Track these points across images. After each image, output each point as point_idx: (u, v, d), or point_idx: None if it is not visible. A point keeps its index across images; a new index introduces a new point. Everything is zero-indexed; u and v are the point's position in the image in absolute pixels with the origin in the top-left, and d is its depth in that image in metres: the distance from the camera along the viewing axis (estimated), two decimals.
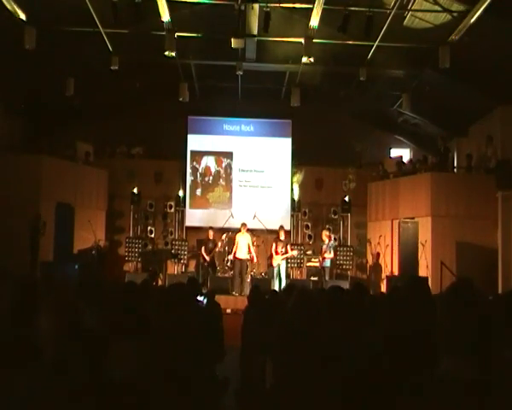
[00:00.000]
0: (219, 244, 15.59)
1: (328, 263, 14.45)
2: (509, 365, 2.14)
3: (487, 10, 9.89)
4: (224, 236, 15.86)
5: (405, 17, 11.52)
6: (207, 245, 15.04)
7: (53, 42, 12.26)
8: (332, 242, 14.67)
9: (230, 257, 15.30)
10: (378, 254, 15.16)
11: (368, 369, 2.54)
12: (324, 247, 14.44)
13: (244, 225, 14.68)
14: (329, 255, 14.40)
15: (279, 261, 14.19)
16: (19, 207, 12.92)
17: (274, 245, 14.39)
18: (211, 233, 15.19)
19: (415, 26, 11.75)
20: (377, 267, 15.18)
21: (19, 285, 3.17)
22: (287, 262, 14.62)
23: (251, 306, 6.47)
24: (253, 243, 14.97)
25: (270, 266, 14.54)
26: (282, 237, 14.43)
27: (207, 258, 14.89)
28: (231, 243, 15.66)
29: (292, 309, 2.59)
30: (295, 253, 14.87)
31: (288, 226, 16.47)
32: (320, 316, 2.52)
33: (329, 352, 2.49)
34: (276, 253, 14.20)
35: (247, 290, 13.31)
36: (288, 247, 14.54)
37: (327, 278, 14.29)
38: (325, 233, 14.78)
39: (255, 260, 14.85)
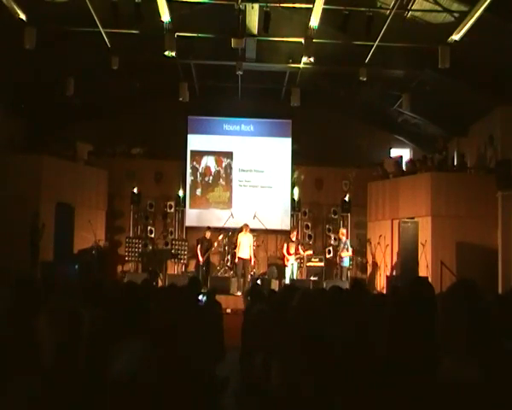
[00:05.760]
0: (215, 244, 15.57)
1: (346, 263, 14.46)
2: (508, 364, 2.14)
3: (487, 10, 9.88)
4: (220, 236, 15.82)
5: (405, 17, 11.52)
6: (203, 245, 15.03)
7: (53, 42, 12.27)
8: (348, 239, 14.70)
9: (230, 257, 15.36)
10: (378, 254, 15.16)
11: (369, 369, 2.54)
12: (341, 245, 14.49)
13: (246, 225, 14.72)
14: (347, 253, 14.44)
15: (293, 261, 14.26)
16: (19, 208, 12.93)
17: (285, 246, 14.48)
18: (208, 233, 15.20)
19: (415, 23, 11.75)
20: (377, 267, 15.18)
21: (18, 286, 3.17)
22: (298, 263, 14.77)
23: (252, 304, 6.46)
24: (253, 244, 15.04)
25: (284, 266, 14.60)
26: (294, 237, 14.58)
27: (201, 258, 14.89)
28: (230, 242, 15.67)
29: (295, 310, 2.60)
30: (311, 252, 15.09)
31: (287, 226, 16.48)
32: (324, 317, 2.53)
33: (332, 352, 2.49)
34: (289, 253, 14.27)
35: None
36: (300, 247, 14.62)
37: (343, 278, 14.23)
38: (342, 231, 14.84)
39: (253, 261, 14.86)
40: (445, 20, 11.38)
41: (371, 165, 16.61)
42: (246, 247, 14.45)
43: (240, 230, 14.87)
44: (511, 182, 12.06)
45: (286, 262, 14.41)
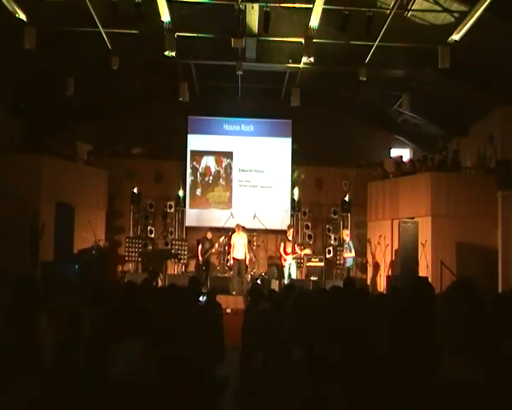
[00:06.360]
0: (216, 245, 15.58)
1: (349, 263, 14.43)
2: (509, 364, 2.14)
3: (487, 10, 9.88)
4: (221, 238, 15.82)
5: (405, 17, 11.52)
6: (204, 245, 15.07)
7: (53, 42, 12.27)
8: (351, 240, 14.66)
9: (230, 257, 15.35)
10: (378, 254, 15.16)
11: (370, 369, 2.54)
12: (345, 246, 14.49)
13: (238, 226, 14.68)
14: (350, 254, 14.40)
15: (291, 261, 14.20)
16: (19, 208, 12.93)
17: (282, 245, 14.32)
18: (209, 234, 15.29)
19: (415, 23, 11.76)
20: (377, 267, 15.18)
21: (18, 286, 3.17)
22: (297, 262, 14.67)
23: (252, 304, 6.46)
24: (249, 243, 14.98)
25: (282, 266, 14.49)
26: (291, 236, 14.40)
27: (200, 258, 14.94)
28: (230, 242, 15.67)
29: (292, 310, 2.60)
30: (309, 251, 15.04)
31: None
32: (319, 316, 2.53)
33: (332, 352, 2.49)
34: (286, 253, 14.16)
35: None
36: (297, 246, 14.55)
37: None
38: (345, 232, 14.84)
39: (247, 261, 14.80)
40: (444, 20, 11.38)
41: (371, 165, 16.62)
42: (240, 247, 14.38)
43: (233, 231, 14.83)
44: (511, 182, 12.06)
45: (283, 262, 14.29)
